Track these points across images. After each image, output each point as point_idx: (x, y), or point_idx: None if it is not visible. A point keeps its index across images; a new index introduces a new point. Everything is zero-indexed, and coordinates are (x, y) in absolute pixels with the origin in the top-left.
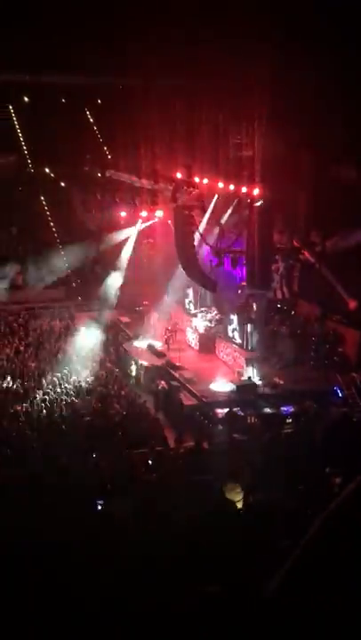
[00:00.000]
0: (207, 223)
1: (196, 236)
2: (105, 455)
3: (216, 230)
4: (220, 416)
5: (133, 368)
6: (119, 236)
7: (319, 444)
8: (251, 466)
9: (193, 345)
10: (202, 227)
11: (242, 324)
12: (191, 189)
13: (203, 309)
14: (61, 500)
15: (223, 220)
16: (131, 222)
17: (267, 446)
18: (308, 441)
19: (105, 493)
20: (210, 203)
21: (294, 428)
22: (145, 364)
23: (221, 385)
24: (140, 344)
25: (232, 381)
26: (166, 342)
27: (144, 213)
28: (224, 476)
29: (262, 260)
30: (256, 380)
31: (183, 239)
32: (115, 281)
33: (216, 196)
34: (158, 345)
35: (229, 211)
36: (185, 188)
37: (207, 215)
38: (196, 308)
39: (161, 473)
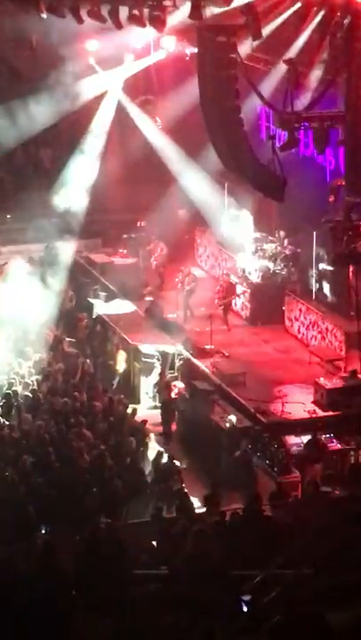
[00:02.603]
0: (265, 61)
1: (243, 88)
2: (64, 534)
3: (283, 73)
4: (293, 449)
5: (121, 357)
6: (87, 88)
7: None
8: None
9: (238, 309)
10: (257, 71)
11: (338, 264)
12: None
13: (257, 237)
14: None
15: (295, 53)
16: (110, 60)
17: None
18: None
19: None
20: (269, 18)
21: None
22: (144, 348)
23: (297, 389)
24: (134, 309)
25: (319, 381)
26: (188, 306)
27: (139, 41)
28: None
29: None
30: None
31: (217, 94)
32: (80, 181)
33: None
34: (169, 310)
35: (308, 32)
36: None
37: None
38: (243, 235)
39: (173, 567)
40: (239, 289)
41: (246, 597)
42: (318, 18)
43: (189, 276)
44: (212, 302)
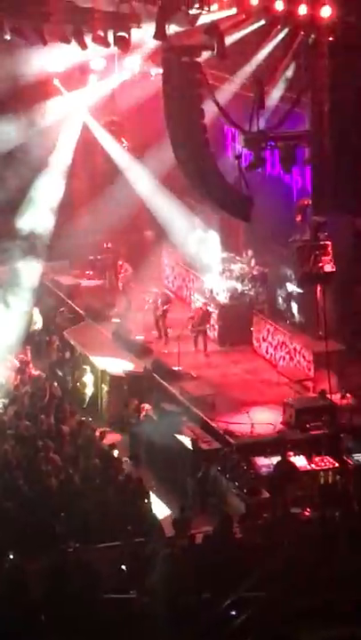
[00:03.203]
0: (231, 81)
1: (209, 108)
2: (33, 556)
3: (233, 91)
4: (263, 470)
5: (88, 379)
6: (52, 109)
7: None
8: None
9: (206, 330)
10: (220, 90)
11: (305, 284)
12: (196, 12)
13: (224, 257)
14: None
15: (252, 70)
16: (74, 81)
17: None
18: None
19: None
20: (234, 36)
21: None
22: (111, 370)
23: (265, 410)
24: (101, 330)
25: (287, 401)
26: (157, 325)
27: (99, 63)
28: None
29: (342, 152)
30: (337, 396)
31: (183, 114)
32: (46, 201)
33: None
34: (137, 332)
35: (268, 49)
36: (183, 7)
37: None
38: (210, 255)
39: (143, 591)
40: (212, 314)
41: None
42: (281, 35)
43: (163, 297)
44: (180, 324)
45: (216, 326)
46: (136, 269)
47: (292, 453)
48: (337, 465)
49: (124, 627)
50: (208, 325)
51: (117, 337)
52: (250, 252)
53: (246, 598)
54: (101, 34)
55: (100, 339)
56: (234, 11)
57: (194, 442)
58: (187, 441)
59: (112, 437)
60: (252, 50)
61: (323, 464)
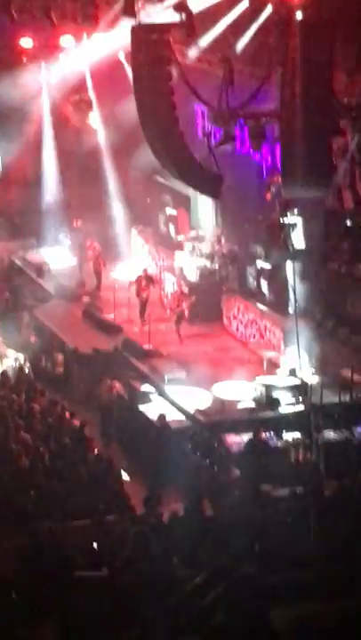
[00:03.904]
0: (200, 59)
1: (178, 86)
2: (3, 537)
3: (219, 72)
4: (233, 448)
5: (58, 357)
6: (21, 85)
7: None
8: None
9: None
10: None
11: (275, 261)
12: None
13: (194, 235)
14: None
15: (236, 50)
16: (42, 58)
17: (330, 506)
18: None
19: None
20: (205, 17)
21: None
22: (81, 348)
23: (236, 387)
24: (71, 308)
25: (257, 379)
26: (142, 304)
27: (68, 40)
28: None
29: (312, 130)
30: (307, 374)
31: (152, 92)
32: (15, 177)
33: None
34: (107, 311)
35: (252, 31)
36: None
37: (200, 43)
38: (180, 233)
39: (113, 569)
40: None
41: None
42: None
43: (147, 280)
44: (151, 302)
45: (187, 304)
46: (107, 248)
47: (262, 431)
48: (307, 442)
49: (96, 604)
50: (187, 305)
51: (88, 316)
52: (219, 230)
53: (217, 575)
54: (70, 10)
55: (71, 318)
56: None
57: (164, 420)
58: (157, 419)
59: (83, 416)
60: (215, 22)
61: (293, 441)
